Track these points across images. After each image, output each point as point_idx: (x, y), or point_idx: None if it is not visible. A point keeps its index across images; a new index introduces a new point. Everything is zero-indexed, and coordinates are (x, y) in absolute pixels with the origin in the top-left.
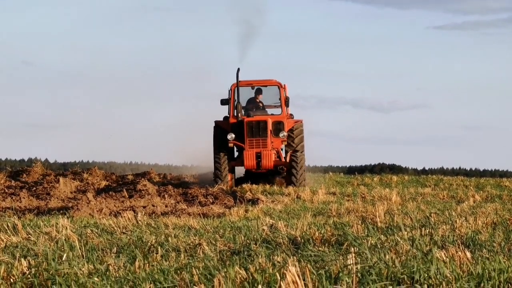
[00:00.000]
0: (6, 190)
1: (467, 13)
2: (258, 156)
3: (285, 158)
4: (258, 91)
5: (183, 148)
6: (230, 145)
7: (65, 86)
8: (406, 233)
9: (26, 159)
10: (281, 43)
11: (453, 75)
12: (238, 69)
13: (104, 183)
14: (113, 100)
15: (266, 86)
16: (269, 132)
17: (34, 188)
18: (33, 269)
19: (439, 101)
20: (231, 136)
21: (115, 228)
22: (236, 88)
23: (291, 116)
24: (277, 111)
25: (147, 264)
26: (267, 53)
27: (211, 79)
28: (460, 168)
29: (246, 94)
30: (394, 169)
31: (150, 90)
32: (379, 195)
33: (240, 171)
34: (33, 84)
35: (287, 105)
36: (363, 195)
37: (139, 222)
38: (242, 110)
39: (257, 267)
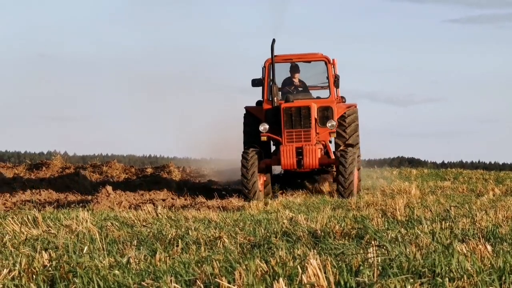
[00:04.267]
0: (26, 183)
1: (483, 6)
2: (299, 153)
3: (334, 153)
4: (294, 69)
5: (201, 141)
6: (263, 138)
7: (83, 78)
8: (426, 226)
9: (45, 152)
10: (297, 36)
11: (470, 68)
12: (274, 41)
13: (123, 176)
14: (131, 93)
15: (309, 61)
16: (313, 121)
17: (54, 181)
18: (54, 261)
19: (456, 94)
20: (263, 127)
21: (135, 221)
22: (270, 65)
23: (343, 99)
24: (324, 93)
25: (168, 257)
26: (282, 46)
27: (231, 71)
28: (479, 161)
29: (283, 73)
30: (413, 162)
31: (169, 82)
32: (398, 188)
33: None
34: (51, 76)
35: (336, 85)
36: (382, 189)
37: (159, 215)
38: (279, 92)
39: (278, 260)
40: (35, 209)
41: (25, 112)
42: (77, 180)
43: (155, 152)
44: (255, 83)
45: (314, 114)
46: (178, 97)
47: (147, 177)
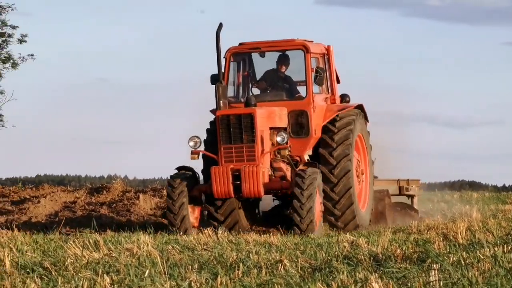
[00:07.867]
0: (87, 207)
1: None
2: (237, 177)
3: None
4: (283, 59)
5: None
6: (193, 157)
7: (143, 102)
8: (488, 250)
9: (105, 176)
10: (355, 60)
11: None
12: (220, 26)
13: None
14: (190, 115)
15: (284, 50)
16: (258, 134)
17: (114, 205)
18: (115, 285)
19: None
20: (194, 141)
21: (196, 244)
22: (233, 56)
23: (345, 98)
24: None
25: (229, 281)
26: (339, 69)
27: None
28: None
29: (269, 64)
30: (474, 185)
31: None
32: (459, 212)
33: (268, 203)
34: (109, 100)
35: (318, 82)
36: (443, 212)
37: (220, 238)
38: (226, 92)
39: (339, 284)
40: (96, 232)
41: (85, 136)
42: (138, 203)
43: None
44: (214, 79)
45: (263, 124)
46: None
47: None
